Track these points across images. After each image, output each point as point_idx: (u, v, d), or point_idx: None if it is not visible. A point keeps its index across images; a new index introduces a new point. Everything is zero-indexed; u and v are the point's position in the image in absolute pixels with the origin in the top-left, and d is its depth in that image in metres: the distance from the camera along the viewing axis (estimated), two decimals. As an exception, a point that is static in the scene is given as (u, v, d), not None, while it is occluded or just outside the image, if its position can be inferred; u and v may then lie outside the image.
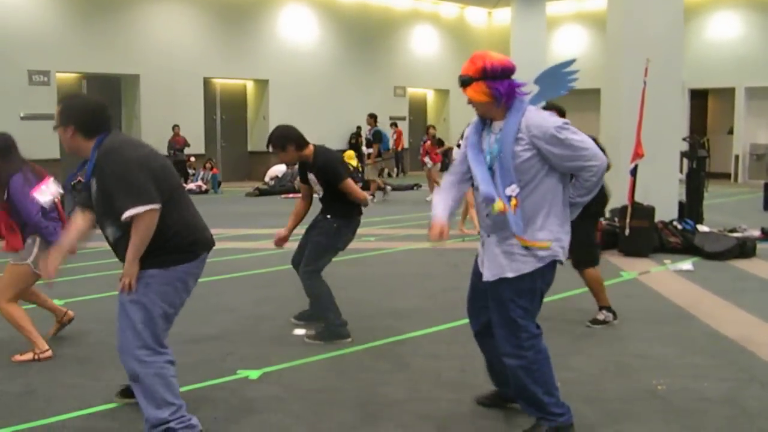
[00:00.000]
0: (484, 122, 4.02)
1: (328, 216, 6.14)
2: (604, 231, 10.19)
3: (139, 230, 3.79)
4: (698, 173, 11.61)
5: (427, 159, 16.57)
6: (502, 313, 3.96)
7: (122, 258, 3.96)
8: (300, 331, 6.25)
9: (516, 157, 3.82)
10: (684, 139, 12.55)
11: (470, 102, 3.94)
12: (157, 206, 3.81)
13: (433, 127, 18.49)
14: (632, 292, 7.81)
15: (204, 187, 19.61)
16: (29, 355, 5.57)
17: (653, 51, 10.18)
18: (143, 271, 3.89)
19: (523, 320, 3.95)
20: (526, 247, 3.89)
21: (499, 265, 3.95)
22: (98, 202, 3.97)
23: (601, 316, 6.48)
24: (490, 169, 3.92)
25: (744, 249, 9.82)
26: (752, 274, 8.80)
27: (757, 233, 11.11)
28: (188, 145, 20.26)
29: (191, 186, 19.52)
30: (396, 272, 8.70)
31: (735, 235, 10.51)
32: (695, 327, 6.49)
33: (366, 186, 17.41)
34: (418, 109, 27.70)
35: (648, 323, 6.58)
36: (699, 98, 24.51)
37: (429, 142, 16.70)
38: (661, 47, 10.57)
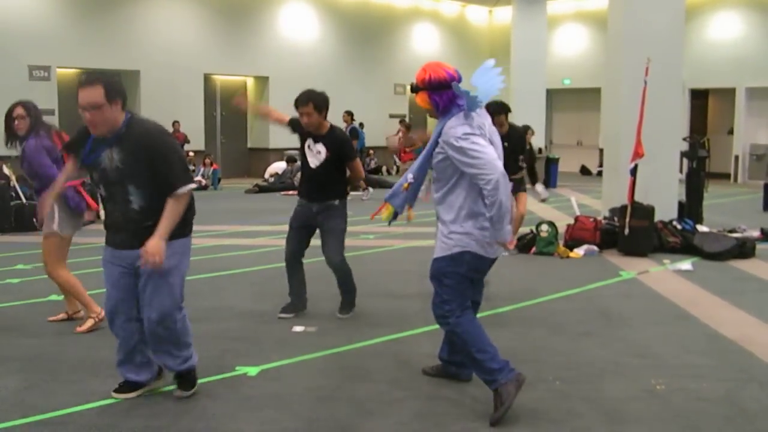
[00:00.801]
0: None
1: (336, 201, 6.45)
2: (604, 230, 10.20)
3: (181, 205, 4.33)
4: (698, 173, 11.61)
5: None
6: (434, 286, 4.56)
7: (132, 227, 4.36)
8: (299, 328, 6.26)
9: (434, 157, 4.40)
10: (684, 139, 12.55)
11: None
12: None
13: (403, 121, 18.31)
14: (631, 292, 7.82)
15: (204, 182, 19.60)
16: (90, 323, 6.09)
17: (654, 50, 10.18)
18: (170, 242, 4.32)
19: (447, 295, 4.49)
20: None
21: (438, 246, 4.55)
22: (120, 171, 4.30)
23: None
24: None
25: (743, 249, 9.82)
26: (751, 274, 8.80)
27: (756, 234, 11.11)
28: (188, 142, 20.25)
29: (191, 182, 19.47)
30: (395, 270, 8.70)
31: (734, 235, 10.51)
32: (694, 327, 6.49)
33: None
34: (418, 107, 27.51)
35: (647, 323, 6.58)
36: (699, 98, 24.49)
37: (401, 137, 16.51)
38: (661, 46, 10.56)
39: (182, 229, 4.46)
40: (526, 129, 15.20)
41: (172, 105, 20.27)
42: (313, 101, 6.28)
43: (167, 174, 4.29)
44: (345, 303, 6.71)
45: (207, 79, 21.89)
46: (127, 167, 4.30)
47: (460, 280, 4.46)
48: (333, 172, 6.43)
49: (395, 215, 4.73)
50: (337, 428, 4.29)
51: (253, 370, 5.22)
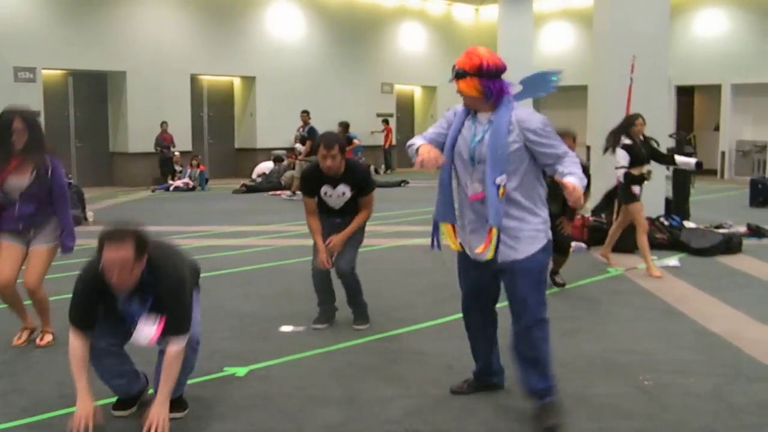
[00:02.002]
0: (468, 111, 4.30)
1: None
2: (592, 227, 10.23)
3: (177, 365, 4.10)
4: (684, 170, 11.64)
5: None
6: (533, 284, 4.21)
7: None
8: (287, 328, 6.24)
9: (508, 147, 4.10)
10: (670, 136, 12.59)
11: (460, 92, 4.20)
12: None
13: (341, 124, 18.19)
14: (619, 288, 7.84)
15: (191, 184, 19.55)
16: (49, 338, 5.87)
17: (640, 48, 10.22)
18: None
19: (543, 296, 4.30)
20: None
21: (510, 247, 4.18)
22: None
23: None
24: (471, 158, 4.21)
25: (730, 245, 9.86)
26: (738, 270, 8.83)
27: (743, 229, 11.16)
28: (174, 145, 20.18)
29: (178, 183, 19.46)
30: (383, 269, 8.69)
31: (721, 231, 10.56)
32: (682, 323, 6.51)
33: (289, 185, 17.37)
34: (405, 106, 27.70)
35: (635, 319, 6.60)
36: (685, 95, 24.60)
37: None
38: (647, 44, 10.61)
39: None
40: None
41: (159, 106, 20.25)
42: (339, 143, 5.89)
43: (170, 321, 4.07)
44: (358, 315, 6.39)
45: (194, 79, 21.86)
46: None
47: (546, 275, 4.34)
48: (354, 203, 6.11)
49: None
50: (326, 427, 4.28)
51: (241, 371, 5.20)
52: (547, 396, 4.29)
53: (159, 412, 3.96)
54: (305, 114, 17.47)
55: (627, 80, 9.72)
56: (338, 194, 6.01)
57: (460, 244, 4.41)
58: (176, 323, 4.07)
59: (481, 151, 4.17)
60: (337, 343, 5.83)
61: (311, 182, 6.08)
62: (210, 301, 7.26)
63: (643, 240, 8.51)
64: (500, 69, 4.13)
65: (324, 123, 22.87)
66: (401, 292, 7.56)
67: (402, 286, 7.85)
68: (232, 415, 4.45)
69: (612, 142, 8.44)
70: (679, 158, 8.99)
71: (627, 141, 8.32)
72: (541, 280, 4.27)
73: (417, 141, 4.37)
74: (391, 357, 5.51)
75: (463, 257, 4.45)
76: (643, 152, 8.42)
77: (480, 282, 4.45)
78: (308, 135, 16.64)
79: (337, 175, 5.95)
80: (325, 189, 6.02)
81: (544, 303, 4.28)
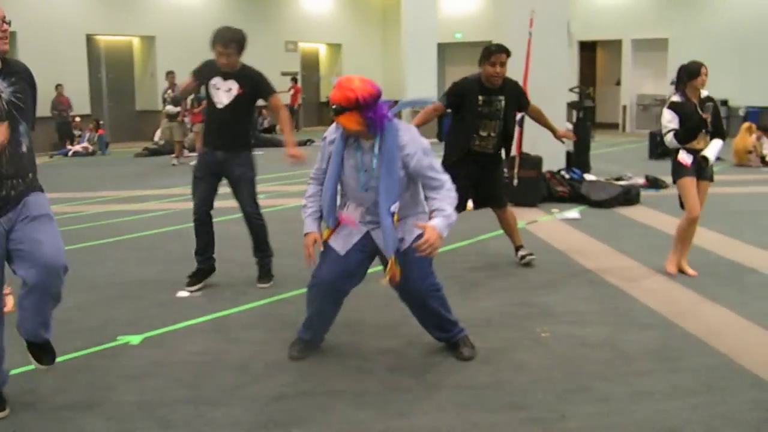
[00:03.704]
0: (349, 136, 4.31)
1: (245, 151, 6.15)
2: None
3: None
4: (584, 123, 11.83)
5: (187, 120, 16.35)
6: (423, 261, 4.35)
7: None
8: (183, 293, 6.10)
9: (398, 175, 4.22)
10: (571, 90, 12.73)
11: (341, 126, 4.21)
12: None
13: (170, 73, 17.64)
14: (520, 242, 7.91)
15: (91, 148, 18.97)
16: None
17: (539, 2, 10.24)
18: None
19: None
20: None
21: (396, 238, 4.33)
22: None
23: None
24: (362, 186, 4.32)
25: (628, 196, 10.07)
26: (635, 220, 9.03)
27: (641, 181, 11.42)
28: (72, 108, 19.48)
29: (77, 148, 18.87)
30: (285, 230, 8.55)
31: (620, 183, 10.77)
32: (580, 274, 6.61)
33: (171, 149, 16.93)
34: (310, 64, 27.34)
35: (535, 272, 6.66)
36: (588, 50, 24.96)
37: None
38: (546, -1, 10.65)
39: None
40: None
41: (54, 68, 19.39)
42: (237, 42, 5.84)
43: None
44: (263, 269, 6.34)
45: (90, 39, 21.06)
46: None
47: None
48: (242, 115, 6.03)
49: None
50: (220, 391, 4.19)
51: (135, 339, 5.06)
52: (453, 336, 4.63)
53: None
54: (171, 75, 16.89)
55: (526, 35, 9.74)
56: (226, 88, 5.94)
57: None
58: None
59: (368, 180, 4.27)
60: (234, 307, 5.73)
61: (203, 72, 6.05)
62: (107, 267, 7.10)
63: (689, 230, 6.51)
64: (376, 97, 4.09)
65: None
66: (302, 254, 7.45)
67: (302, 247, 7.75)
68: (123, 384, 4.32)
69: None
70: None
71: (677, 98, 6.36)
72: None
73: (308, 206, 4.58)
74: (287, 320, 5.39)
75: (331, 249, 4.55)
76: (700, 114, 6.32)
77: (357, 270, 4.55)
78: (181, 96, 16.02)
79: (229, 71, 5.93)
80: (215, 80, 5.95)
81: (431, 272, 4.53)
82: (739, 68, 20.71)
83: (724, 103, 19.50)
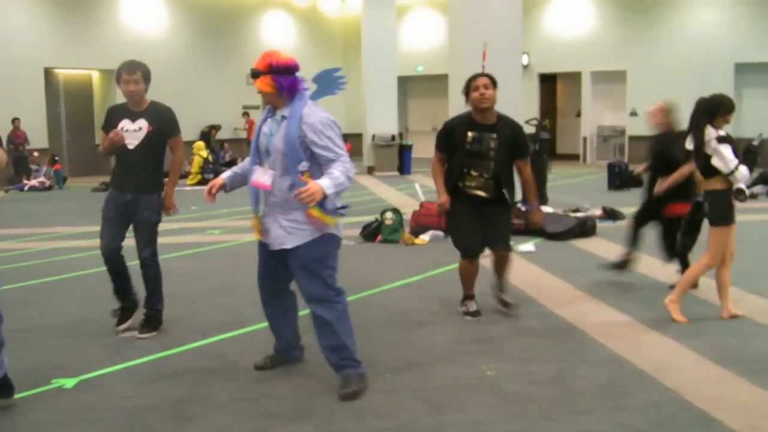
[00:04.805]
0: (271, 110, 4.67)
1: (153, 194, 5.91)
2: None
3: None
4: (541, 155, 11.83)
5: None
6: (312, 274, 4.55)
7: None
8: (126, 333, 5.92)
9: (298, 139, 4.45)
10: (527, 122, 12.74)
11: (259, 92, 4.59)
12: None
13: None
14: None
15: (47, 183, 18.70)
16: None
17: (493, 35, 10.27)
18: None
19: (330, 279, 4.60)
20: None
21: (286, 235, 4.57)
22: None
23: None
24: (267, 151, 4.59)
25: (584, 228, 10.05)
26: (590, 252, 8.99)
27: (598, 212, 11.42)
28: (28, 142, 19.21)
29: (33, 183, 18.59)
30: (237, 265, 8.43)
31: (577, 214, 10.76)
32: (531, 308, 6.53)
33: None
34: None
35: (484, 307, 6.49)
36: (548, 82, 25.18)
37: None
38: (501, 31, 10.68)
39: None
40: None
41: (11, 102, 19.19)
42: (141, 69, 5.77)
43: None
44: (149, 316, 5.94)
45: (48, 73, 20.84)
46: None
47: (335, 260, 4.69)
48: (154, 154, 5.83)
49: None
50: (151, 439, 4.04)
51: (70, 382, 4.88)
52: (343, 369, 4.61)
53: None
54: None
55: (480, 68, 9.73)
56: (135, 128, 5.76)
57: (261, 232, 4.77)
58: None
59: (274, 143, 4.53)
60: (177, 347, 5.57)
61: (111, 120, 5.88)
62: (48, 306, 6.91)
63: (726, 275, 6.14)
64: (290, 66, 4.53)
65: (190, 116, 22.43)
66: (252, 290, 7.31)
67: (254, 283, 7.61)
68: (52, 430, 4.14)
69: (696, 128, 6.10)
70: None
71: (723, 132, 5.96)
72: (319, 268, 4.54)
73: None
74: (231, 359, 5.27)
75: (262, 246, 4.84)
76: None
77: (276, 271, 4.83)
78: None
79: (137, 110, 5.82)
80: (123, 124, 5.79)
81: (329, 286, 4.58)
82: (694, 100, 20.90)
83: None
